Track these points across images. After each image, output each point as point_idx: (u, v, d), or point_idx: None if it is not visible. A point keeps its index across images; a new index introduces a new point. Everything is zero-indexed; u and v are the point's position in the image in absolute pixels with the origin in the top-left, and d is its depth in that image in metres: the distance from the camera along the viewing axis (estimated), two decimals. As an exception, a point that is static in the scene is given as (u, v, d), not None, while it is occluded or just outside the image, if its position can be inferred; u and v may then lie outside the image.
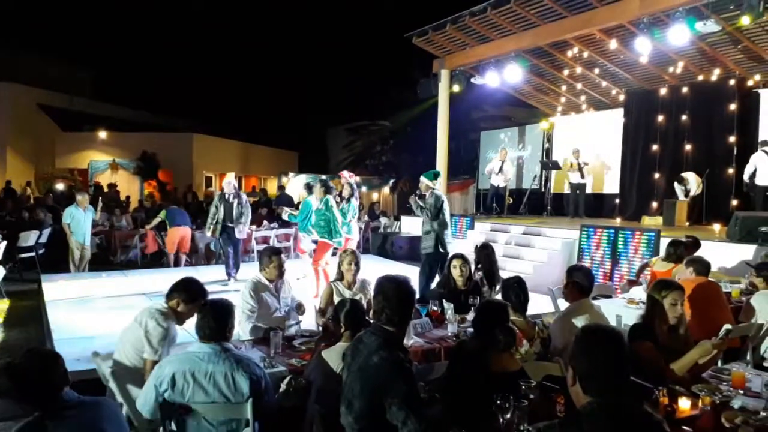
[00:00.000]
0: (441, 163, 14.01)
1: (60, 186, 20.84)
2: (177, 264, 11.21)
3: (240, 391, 2.92)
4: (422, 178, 7.57)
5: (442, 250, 7.16)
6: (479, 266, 5.74)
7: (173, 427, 2.96)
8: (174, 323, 3.63)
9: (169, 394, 2.92)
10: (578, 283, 4.08)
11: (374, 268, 9.51)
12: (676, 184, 11.06)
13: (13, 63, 23.16)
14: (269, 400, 3.03)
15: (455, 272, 5.26)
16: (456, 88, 13.26)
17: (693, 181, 10.87)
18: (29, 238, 10.80)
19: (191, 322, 3.36)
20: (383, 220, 16.00)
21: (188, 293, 3.65)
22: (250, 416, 2.88)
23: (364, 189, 23.66)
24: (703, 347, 3.36)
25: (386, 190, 23.86)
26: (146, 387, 3.02)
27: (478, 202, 17.33)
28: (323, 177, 9.75)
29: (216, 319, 3.05)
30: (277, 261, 4.73)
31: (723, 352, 4.11)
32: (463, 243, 10.97)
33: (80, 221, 9.98)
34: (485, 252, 5.88)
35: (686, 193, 10.87)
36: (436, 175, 7.62)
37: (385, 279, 2.84)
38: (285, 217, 9.57)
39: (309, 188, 9.60)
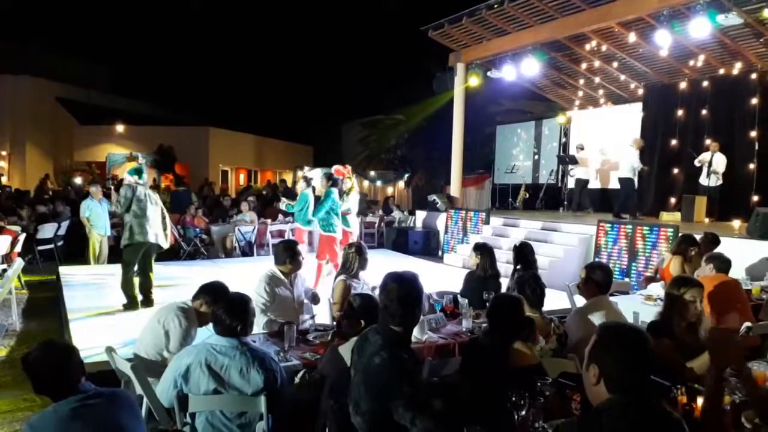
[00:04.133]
0: (456, 157, 13.97)
1: (78, 180, 21.08)
2: None
3: (254, 386, 2.93)
4: (125, 175, 7.21)
5: (140, 239, 6.81)
6: (518, 267, 5.44)
7: (188, 419, 2.99)
8: (195, 323, 3.68)
9: (183, 386, 2.94)
10: (596, 281, 4.05)
11: (388, 263, 9.49)
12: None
13: (32, 57, 23.46)
14: (284, 396, 3.03)
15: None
16: (474, 81, 13.17)
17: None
18: (48, 230, 10.94)
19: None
20: (398, 214, 15.99)
21: (214, 296, 3.63)
22: (264, 410, 2.89)
23: (378, 183, 23.65)
24: None
25: (401, 184, 23.83)
26: (165, 375, 3.06)
27: (493, 197, 17.25)
28: (327, 170, 9.67)
29: (232, 315, 3.05)
30: (296, 257, 4.74)
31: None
32: (477, 238, 10.95)
33: (99, 213, 10.09)
34: (524, 251, 5.58)
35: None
36: (138, 171, 7.10)
37: (389, 277, 2.76)
38: (282, 207, 9.41)
39: (307, 181, 9.61)
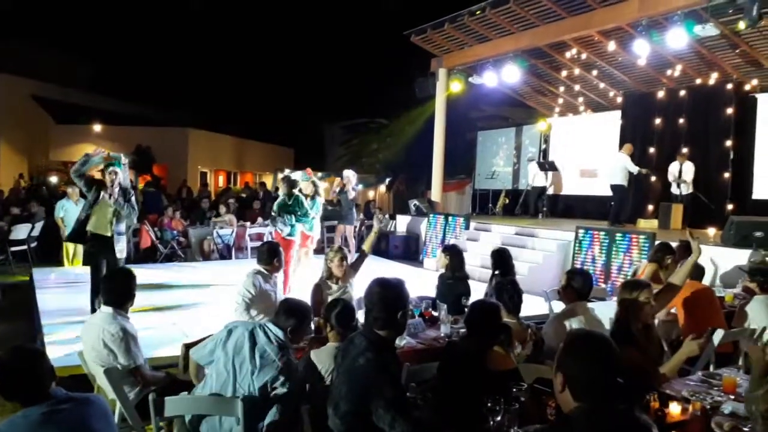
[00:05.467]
0: (437, 162, 14.03)
1: (53, 179, 20.75)
2: None
3: (264, 374, 2.97)
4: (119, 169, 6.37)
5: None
6: (497, 272, 5.43)
7: (162, 424, 2.96)
8: (126, 321, 3.63)
9: (224, 341, 3.08)
10: (575, 288, 4.10)
11: (368, 267, 9.48)
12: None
13: (8, 53, 22.99)
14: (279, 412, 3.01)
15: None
16: (456, 86, 13.22)
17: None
18: (22, 230, 10.75)
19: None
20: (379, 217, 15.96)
21: (131, 292, 3.74)
22: (241, 415, 2.86)
23: (360, 187, 23.61)
24: (690, 347, 3.37)
25: (382, 188, 23.83)
26: (213, 335, 3.21)
27: (474, 203, 17.34)
28: (288, 173, 9.46)
29: (288, 314, 3.17)
30: (280, 257, 5.04)
31: (716, 357, 4.16)
32: (457, 243, 10.99)
33: (74, 214, 9.92)
34: (502, 256, 5.57)
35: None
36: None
37: (374, 282, 2.81)
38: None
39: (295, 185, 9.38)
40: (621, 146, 12.24)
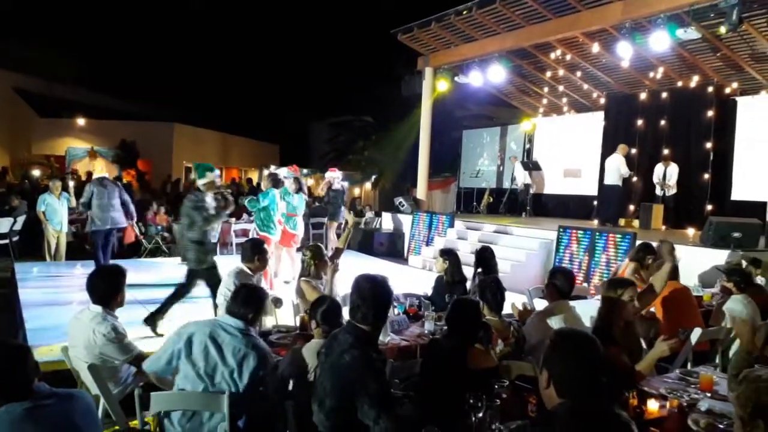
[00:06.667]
0: (423, 160, 14.08)
1: (36, 172, 20.50)
2: None
3: (245, 369, 3.02)
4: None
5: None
6: (479, 270, 5.44)
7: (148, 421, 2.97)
8: (115, 320, 3.60)
9: (183, 354, 3.04)
10: (557, 286, 4.15)
11: (354, 264, 9.51)
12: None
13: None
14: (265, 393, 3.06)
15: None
16: (443, 85, 13.28)
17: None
18: (3, 224, 10.63)
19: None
20: (369, 215, 16.00)
21: (118, 289, 3.67)
22: (226, 410, 2.88)
23: (345, 184, 23.60)
24: (660, 348, 3.43)
25: (368, 185, 23.84)
26: (164, 344, 3.17)
27: (458, 201, 17.43)
28: (273, 170, 9.45)
29: (247, 304, 3.20)
30: (263, 255, 4.94)
31: (693, 355, 4.25)
32: (442, 241, 11.06)
33: (56, 208, 9.84)
34: (485, 255, 5.59)
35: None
36: (208, 169, 6.18)
37: (362, 278, 2.85)
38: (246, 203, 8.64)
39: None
40: (603, 146, 12.45)
